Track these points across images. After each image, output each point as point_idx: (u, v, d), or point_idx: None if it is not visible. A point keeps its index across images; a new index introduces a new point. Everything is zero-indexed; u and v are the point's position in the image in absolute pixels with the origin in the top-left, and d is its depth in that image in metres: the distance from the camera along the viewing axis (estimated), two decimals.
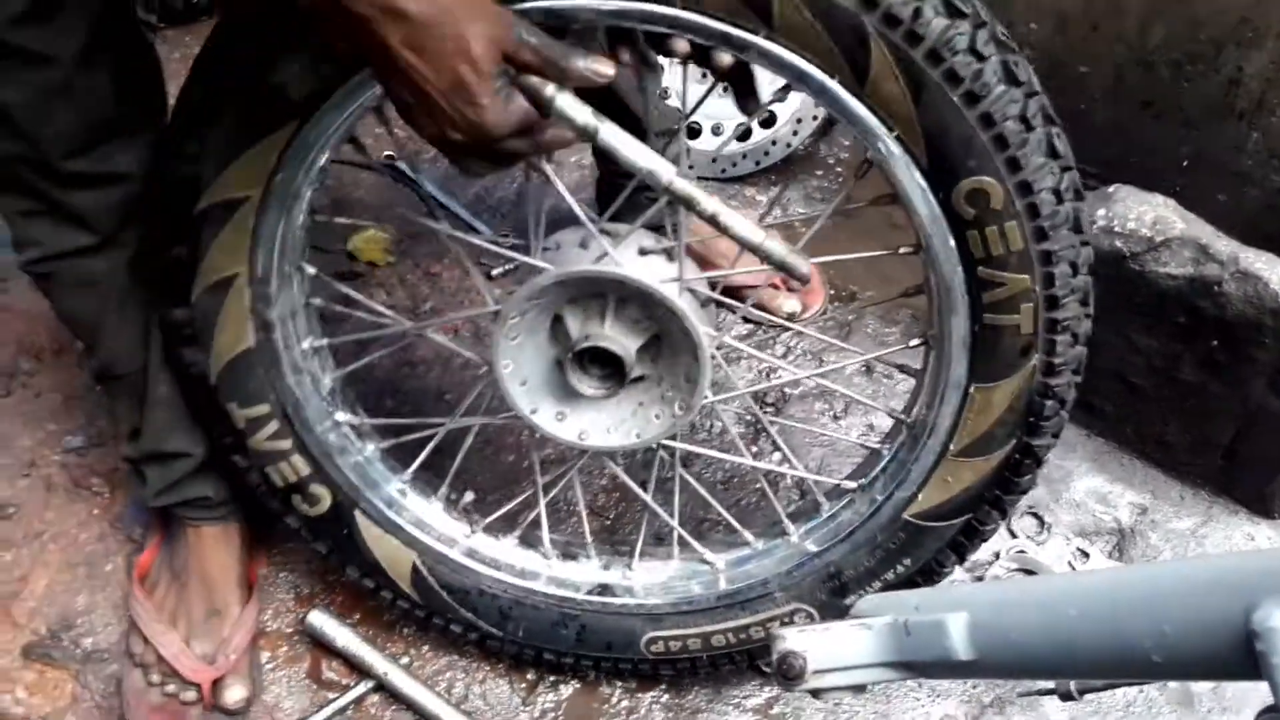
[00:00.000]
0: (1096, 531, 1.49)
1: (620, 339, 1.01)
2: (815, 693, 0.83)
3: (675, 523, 1.16)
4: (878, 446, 1.13)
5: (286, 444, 1.13)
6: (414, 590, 1.22)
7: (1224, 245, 1.28)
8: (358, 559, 1.21)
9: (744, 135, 1.85)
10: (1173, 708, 1.32)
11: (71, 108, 0.95)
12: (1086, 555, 1.44)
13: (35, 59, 0.90)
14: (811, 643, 0.81)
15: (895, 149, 0.88)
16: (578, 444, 1.10)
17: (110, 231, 1.05)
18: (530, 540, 1.23)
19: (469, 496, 1.25)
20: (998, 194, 0.88)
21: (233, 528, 1.30)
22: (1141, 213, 1.33)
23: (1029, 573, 1.40)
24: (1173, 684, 1.32)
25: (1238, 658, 0.54)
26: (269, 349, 1.08)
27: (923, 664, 0.77)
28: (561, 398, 1.08)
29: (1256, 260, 1.26)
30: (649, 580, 1.21)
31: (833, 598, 1.14)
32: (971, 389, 0.99)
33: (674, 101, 1.65)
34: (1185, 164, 1.66)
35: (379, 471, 1.19)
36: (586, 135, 0.80)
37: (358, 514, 1.18)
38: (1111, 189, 1.37)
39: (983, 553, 1.44)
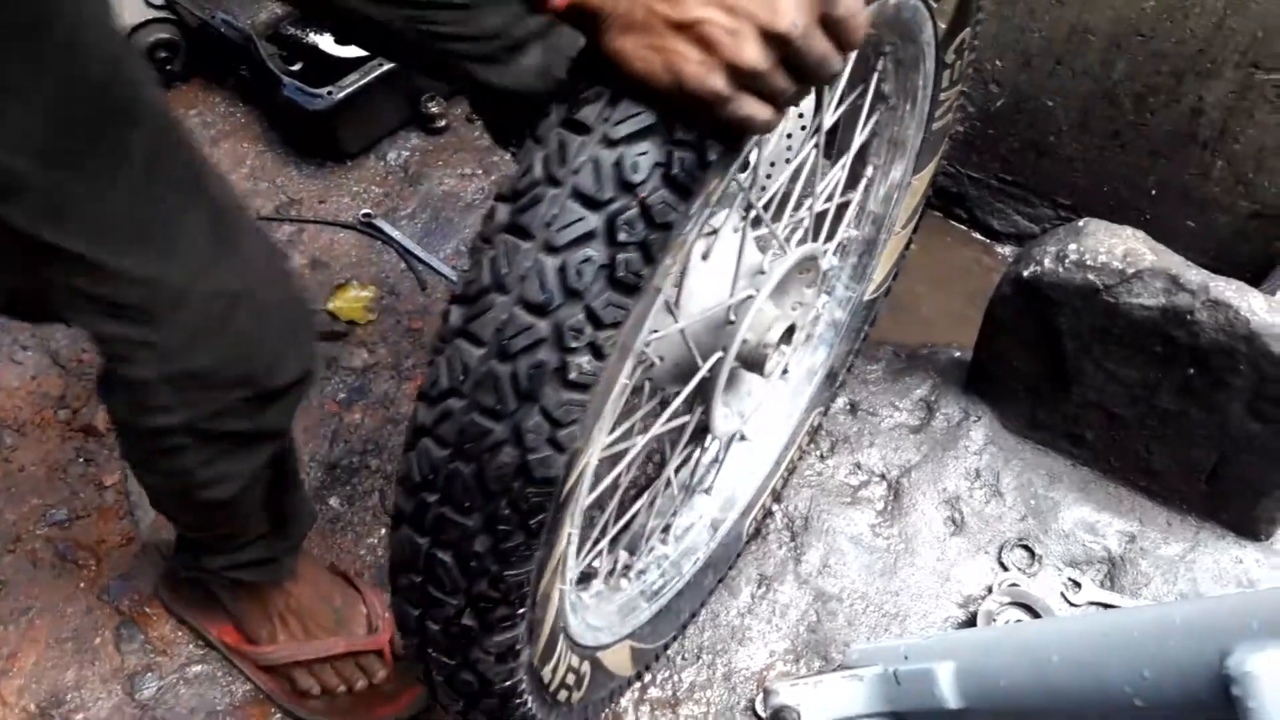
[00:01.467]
0: (1087, 561, 1.49)
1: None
2: None
3: None
4: None
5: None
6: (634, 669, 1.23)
7: (1194, 275, 1.30)
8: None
9: None
10: None
11: None
12: (1078, 585, 1.44)
13: None
14: (804, 696, 0.81)
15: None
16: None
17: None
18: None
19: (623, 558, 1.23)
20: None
21: None
22: (1112, 245, 1.35)
23: (1022, 605, 1.40)
24: None
25: (1216, 701, 0.55)
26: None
27: (911, 713, 0.77)
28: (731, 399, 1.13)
29: (1226, 289, 1.28)
30: None
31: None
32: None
33: None
34: (1154, 192, 1.69)
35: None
36: None
37: (601, 656, 1.12)
38: (1081, 223, 1.39)
39: (975, 586, 1.46)
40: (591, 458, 0.82)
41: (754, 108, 0.64)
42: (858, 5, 0.65)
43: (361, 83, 1.82)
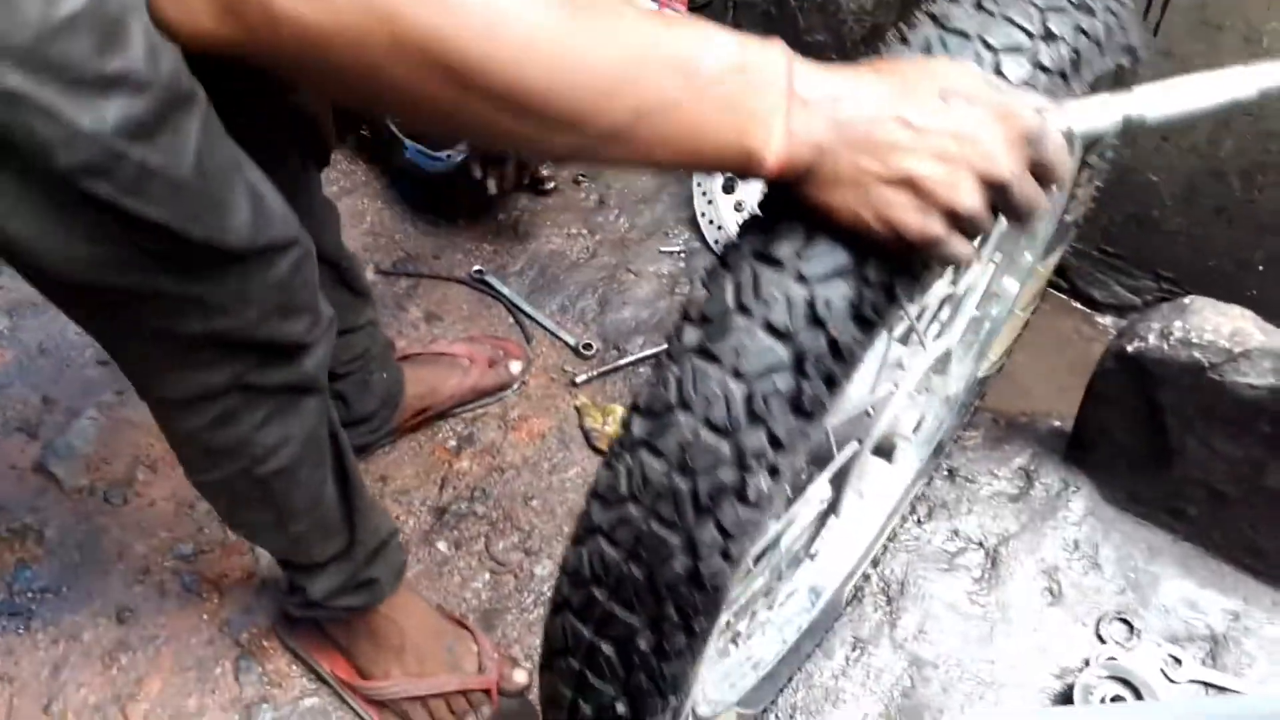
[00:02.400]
0: (1188, 638, 1.47)
1: None
2: None
3: None
4: None
5: None
6: None
7: None
8: None
9: None
10: None
11: None
12: (1179, 662, 1.43)
13: None
14: None
15: None
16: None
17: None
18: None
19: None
20: None
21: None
22: (1219, 324, 1.35)
23: (1121, 680, 1.39)
24: None
25: None
26: None
27: None
28: None
29: None
30: None
31: None
32: None
33: None
34: (1261, 268, 1.68)
35: None
36: (1130, 129, 0.71)
37: None
38: (1188, 300, 1.40)
39: (1072, 658, 1.45)
40: (750, 557, 0.85)
41: (962, 247, 0.68)
42: (1063, 148, 0.68)
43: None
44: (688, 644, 0.79)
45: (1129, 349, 1.42)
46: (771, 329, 0.70)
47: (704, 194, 1.97)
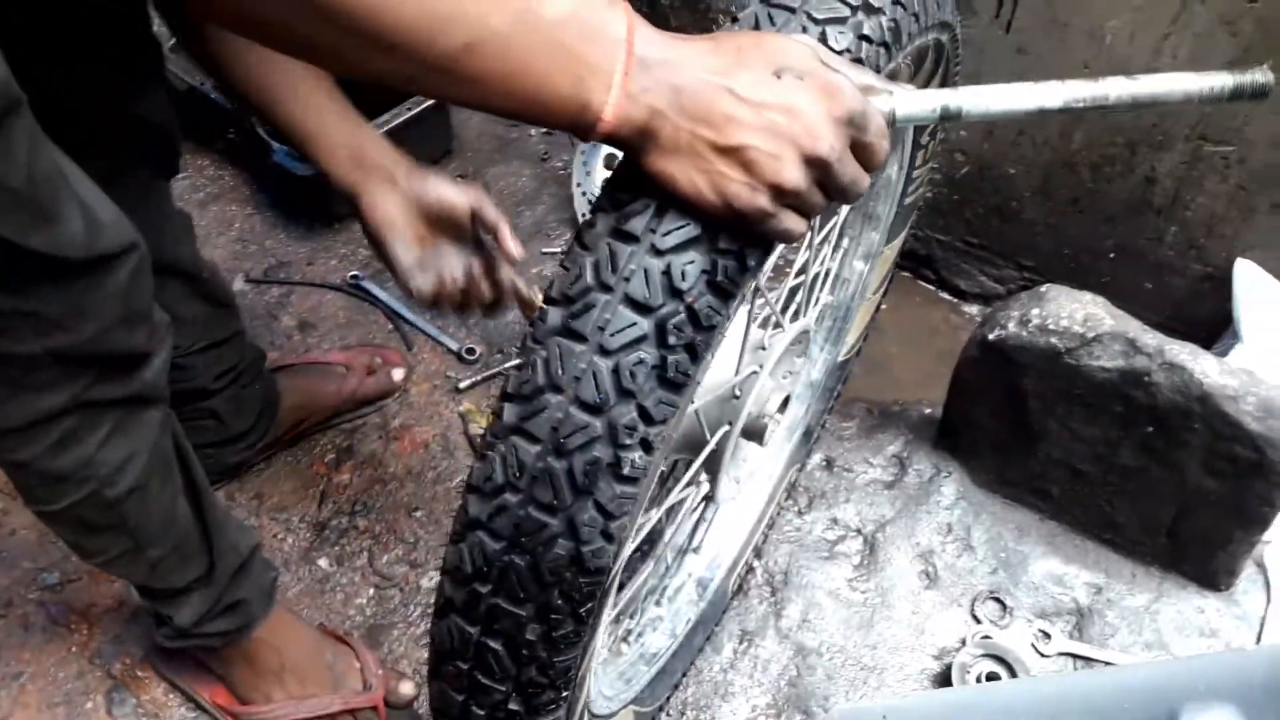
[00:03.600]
0: (1056, 612, 1.54)
1: None
2: None
3: None
4: None
5: None
6: None
7: (1151, 339, 1.37)
8: None
9: None
10: None
11: None
12: (1048, 636, 1.49)
13: None
14: None
15: None
16: None
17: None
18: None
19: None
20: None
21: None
22: (1073, 310, 1.41)
23: (995, 657, 1.45)
24: None
25: None
26: None
27: None
28: None
29: (1181, 352, 1.35)
30: None
31: None
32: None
33: None
34: (1112, 255, 1.77)
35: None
36: (947, 118, 0.76)
37: None
38: (1044, 289, 1.46)
39: (949, 639, 1.50)
40: (630, 543, 0.86)
41: (792, 222, 0.70)
42: (884, 131, 0.71)
43: None
44: (576, 631, 0.79)
45: (990, 337, 1.48)
46: (632, 303, 0.71)
47: (584, 193, 1.97)
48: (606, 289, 0.72)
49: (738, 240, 0.71)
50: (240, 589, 1.23)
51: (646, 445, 0.73)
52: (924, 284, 2.02)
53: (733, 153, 0.66)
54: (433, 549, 1.58)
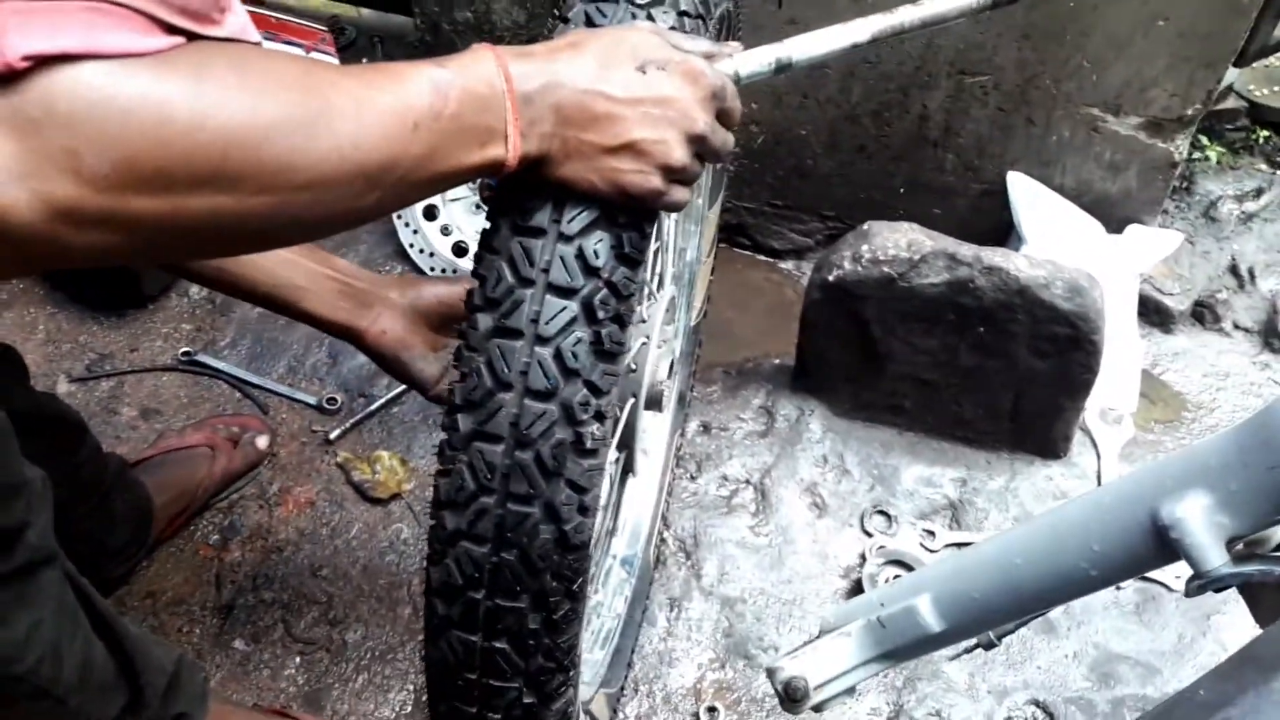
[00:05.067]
0: (933, 510, 1.71)
1: None
2: (818, 707, 0.95)
3: None
4: None
5: None
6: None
7: (967, 250, 1.55)
8: None
9: None
10: (1040, 635, 1.55)
11: None
12: (933, 533, 1.66)
13: None
14: (806, 664, 0.93)
15: None
16: None
17: None
18: None
19: None
20: None
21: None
22: (896, 240, 1.58)
23: (899, 563, 1.60)
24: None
25: (1157, 550, 0.72)
26: None
27: (900, 649, 0.91)
28: None
29: (995, 256, 1.54)
30: None
31: None
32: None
33: None
34: (902, 190, 1.97)
35: None
36: (781, 70, 0.85)
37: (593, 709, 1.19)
38: (865, 227, 1.62)
39: (850, 557, 1.64)
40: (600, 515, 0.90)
41: (681, 193, 0.78)
42: (736, 94, 0.80)
43: None
44: (573, 609, 0.84)
45: (830, 278, 1.62)
46: (556, 289, 0.76)
47: (407, 225, 1.97)
48: (528, 283, 0.77)
49: (633, 213, 0.78)
50: (176, 703, 1.17)
51: (600, 416, 0.78)
52: (741, 250, 2.16)
53: (623, 149, 0.74)
54: (348, 602, 1.56)
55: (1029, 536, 0.81)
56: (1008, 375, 1.64)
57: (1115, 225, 1.88)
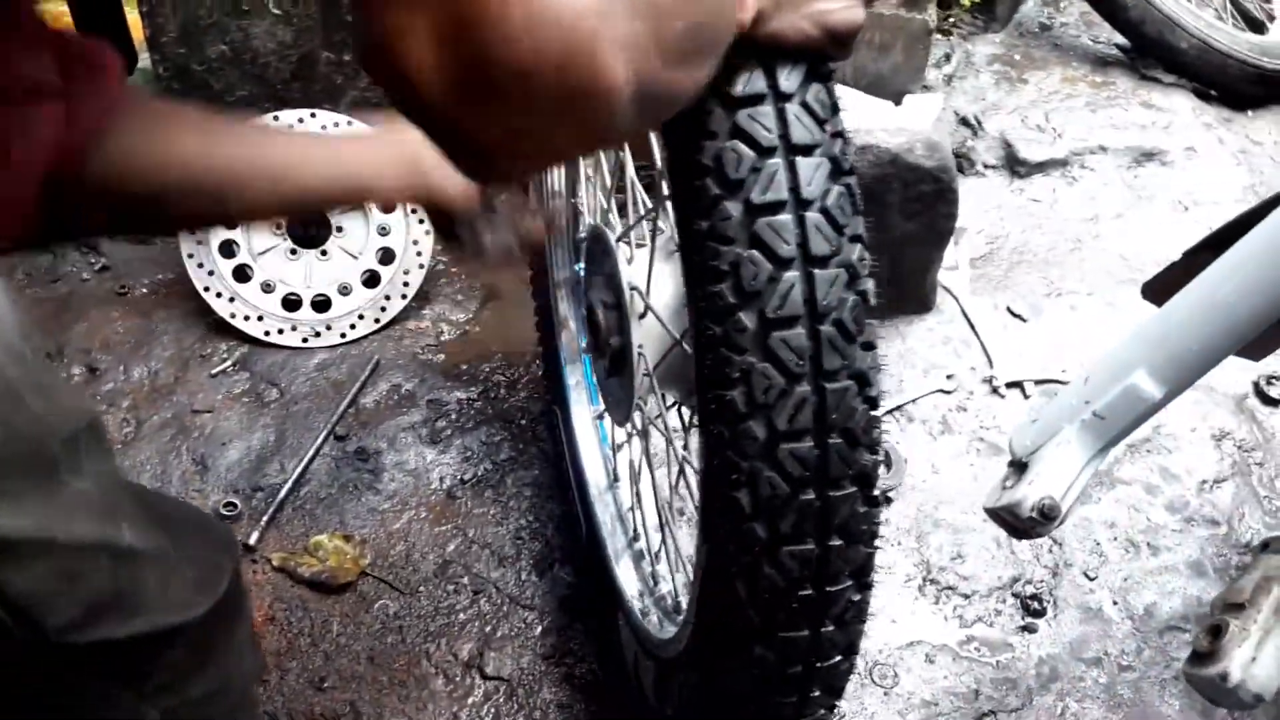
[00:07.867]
0: None
1: None
2: (1064, 519, 0.98)
3: None
4: None
5: None
6: None
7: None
8: None
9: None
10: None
11: None
12: None
13: None
14: (1047, 483, 0.96)
15: None
16: None
17: None
18: None
19: None
20: None
21: None
22: None
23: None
24: None
25: None
26: None
27: (1123, 430, 0.96)
28: None
29: (865, 136, 1.64)
30: None
31: None
32: None
33: None
34: None
35: None
36: None
37: None
38: None
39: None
40: None
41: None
42: None
43: None
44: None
45: None
46: (799, 149, 0.76)
47: (199, 264, 1.71)
48: (770, 151, 0.75)
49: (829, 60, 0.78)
50: None
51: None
52: None
53: None
54: (373, 700, 1.35)
55: (1231, 269, 0.89)
56: (886, 244, 1.76)
57: (893, 100, 2.07)
